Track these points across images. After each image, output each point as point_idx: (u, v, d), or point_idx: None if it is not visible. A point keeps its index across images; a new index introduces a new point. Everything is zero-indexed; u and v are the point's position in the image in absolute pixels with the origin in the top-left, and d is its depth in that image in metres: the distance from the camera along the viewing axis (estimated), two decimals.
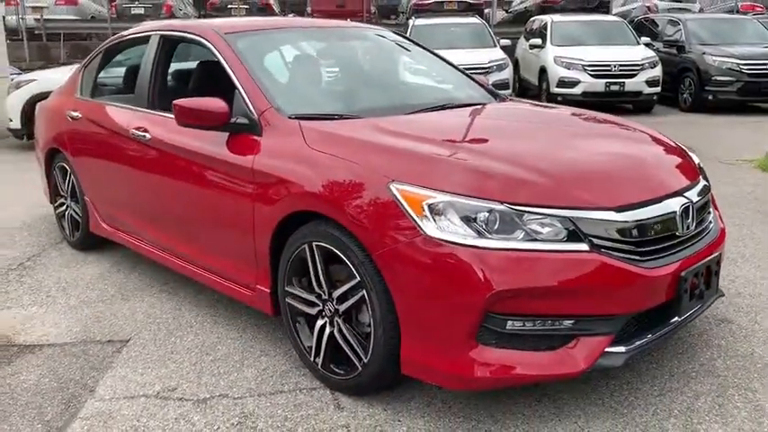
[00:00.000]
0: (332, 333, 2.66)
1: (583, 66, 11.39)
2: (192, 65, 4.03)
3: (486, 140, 2.73)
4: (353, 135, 2.72)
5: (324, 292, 2.67)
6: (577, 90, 11.29)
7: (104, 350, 3.19)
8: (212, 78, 3.79)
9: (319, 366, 2.73)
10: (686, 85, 12.06)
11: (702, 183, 2.79)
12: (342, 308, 2.60)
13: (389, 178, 2.38)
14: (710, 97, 11.52)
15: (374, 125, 2.85)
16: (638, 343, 2.38)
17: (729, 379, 2.70)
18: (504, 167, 2.39)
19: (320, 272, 2.64)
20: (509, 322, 2.25)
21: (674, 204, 2.49)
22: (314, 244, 2.63)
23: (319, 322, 2.72)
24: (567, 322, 2.27)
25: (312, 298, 2.73)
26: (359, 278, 2.46)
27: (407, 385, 2.66)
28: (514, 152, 2.53)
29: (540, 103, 3.90)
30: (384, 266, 2.35)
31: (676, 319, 2.47)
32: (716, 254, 2.61)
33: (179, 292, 3.85)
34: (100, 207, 4.22)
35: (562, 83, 11.43)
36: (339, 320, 2.63)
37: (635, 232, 2.33)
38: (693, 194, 2.63)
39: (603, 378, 2.70)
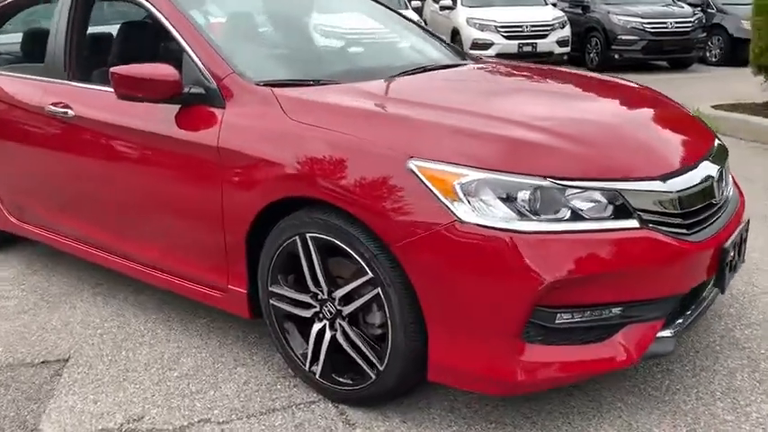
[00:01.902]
0: (333, 338, 2.28)
1: (496, 27, 11.29)
2: (115, 28, 3.41)
3: (502, 106, 2.39)
4: (344, 103, 2.30)
5: (322, 292, 2.26)
6: (491, 51, 11.16)
7: (39, 374, 2.64)
8: (145, 42, 3.23)
9: (317, 376, 2.34)
10: (593, 45, 12.25)
11: (718, 142, 2.59)
12: (347, 309, 2.21)
13: (407, 155, 2.00)
14: (617, 56, 11.75)
15: (363, 92, 2.44)
16: (681, 323, 2.16)
17: (755, 350, 2.55)
18: (538, 136, 2.06)
19: (317, 268, 2.23)
20: (558, 315, 1.95)
21: (711, 168, 2.27)
22: (308, 236, 2.21)
23: (316, 326, 2.32)
24: (616, 310, 2.00)
25: (306, 298, 2.32)
26: (371, 274, 2.08)
27: (420, 390, 2.33)
28: (540, 118, 2.21)
29: (517, 63, 3.60)
30: (407, 260, 1.99)
31: (715, 292, 2.27)
32: (745, 220, 2.43)
33: (116, 293, 3.30)
34: (5, 198, 3.55)
35: (476, 45, 11.26)
36: (343, 323, 2.24)
37: (680, 203, 2.09)
38: (719, 156, 2.43)
39: None
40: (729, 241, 2.22)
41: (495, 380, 1.96)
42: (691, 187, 2.13)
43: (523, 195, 1.91)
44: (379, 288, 2.08)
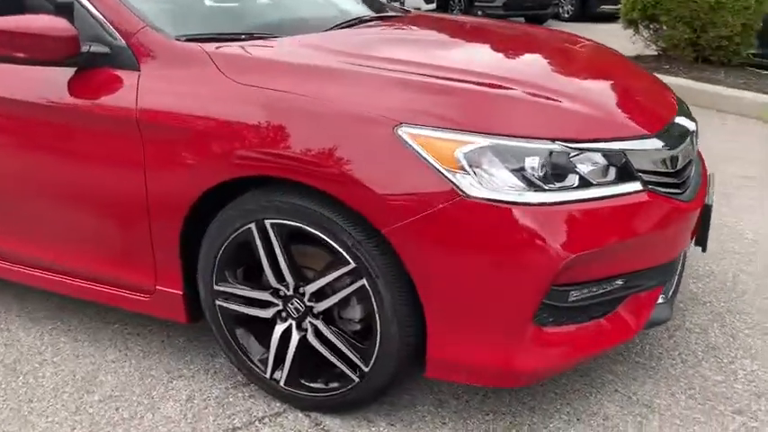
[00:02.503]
0: (303, 339, 1.94)
1: None
2: None
3: (483, 62, 2.12)
4: (302, 61, 1.92)
5: (286, 288, 1.92)
6: None
7: None
8: None
9: (282, 384, 2.01)
10: (456, 2, 12.31)
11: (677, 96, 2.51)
12: (321, 306, 1.88)
13: (395, 120, 1.68)
14: (480, 13, 11.90)
15: (315, 46, 2.07)
16: (670, 287, 2.06)
17: (716, 304, 2.55)
18: (534, 94, 1.83)
19: (281, 260, 1.88)
20: (572, 293, 1.76)
21: (688, 123, 2.16)
22: (268, 223, 1.84)
23: (279, 327, 1.97)
24: (620, 281, 1.85)
25: (265, 296, 1.96)
26: (353, 264, 1.77)
27: (399, 386, 2.07)
28: (526, 74, 1.97)
29: (448, 15, 3.33)
30: (402, 245, 1.69)
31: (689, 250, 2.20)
32: (710, 174, 2.37)
33: None
34: None
35: None
36: (315, 322, 1.91)
37: (672, 161, 1.96)
38: (685, 110, 2.34)
39: None
40: (709, 197, 2.14)
41: (508, 371, 1.74)
42: (680, 144, 2.01)
43: (533, 162, 1.67)
44: (363, 279, 1.77)
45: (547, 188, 1.66)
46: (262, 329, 2.06)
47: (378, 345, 1.82)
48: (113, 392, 2.15)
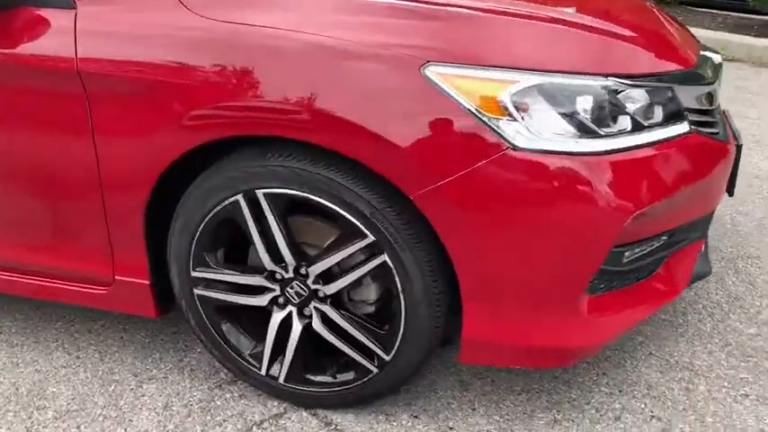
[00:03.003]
0: (307, 328, 1.64)
1: None
2: None
3: None
4: None
5: (284, 269, 1.59)
6: None
7: None
8: None
9: (281, 380, 1.70)
10: None
11: None
12: (330, 289, 1.57)
13: (421, 59, 1.36)
14: None
15: None
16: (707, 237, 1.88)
17: (725, 250, 2.41)
18: (577, 24, 1.54)
19: (279, 238, 1.55)
20: (626, 254, 1.53)
21: (715, 56, 1.94)
22: (261, 193, 1.50)
23: (277, 315, 1.65)
24: (665, 236, 1.63)
25: (258, 281, 1.63)
26: (372, 237, 1.46)
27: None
28: (562, 8, 1.67)
29: None
30: (434, 212, 1.40)
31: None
32: (725, 110, 2.18)
33: None
34: None
35: None
36: (323, 307, 1.60)
37: (709, 97, 1.74)
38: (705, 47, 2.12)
39: None
40: (739, 136, 1.95)
41: (559, 348, 1.51)
42: (716, 78, 1.79)
43: (585, 103, 1.40)
44: (385, 255, 1.47)
45: (603, 134, 1.40)
46: (253, 320, 1.74)
47: (402, 329, 1.54)
48: (71, 406, 1.78)
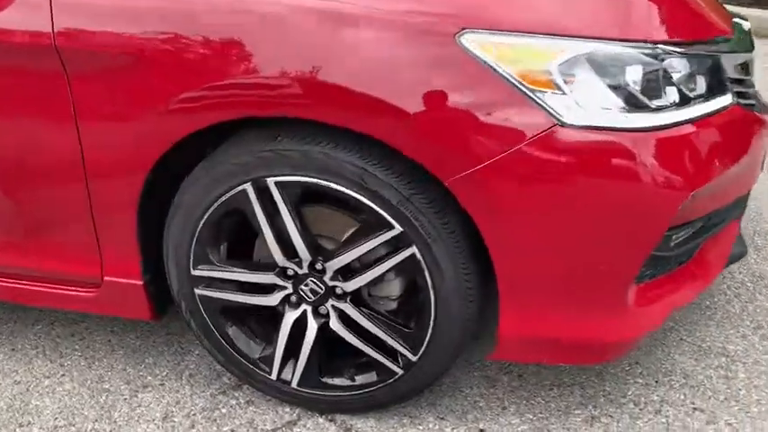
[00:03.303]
0: (323, 328, 1.49)
1: None
2: None
3: None
4: None
5: (298, 265, 1.43)
6: None
7: None
8: None
9: (294, 384, 1.55)
10: None
11: None
12: (350, 285, 1.42)
13: (456, 26, 1.20)
14: None
15: None
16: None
17: None
18: None
19: (292, 231, 1.38)
20: (673, 237, 1.41)
21: (745, 24, 1.82)
22: (272, 182, 1.34)
23: (290, 315, 1.50)
24: (708, 218, 1.52)
25: (269, 278, 1.47)
26: (400, 228, 1.31)
27: None
28: None
29: None
30: (471, 198, 1.25)
31: None
32: None
33: None
34: None
35: None
36: (341, 305, 1.45)
37: (745, 66, 1.62)
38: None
39: None
40: None
41: (606, 342, 1.38)
42: (752, 46, 1.67)
43: (635, 74, 1.26)
44: (413, 247, 1.32)
45: (653, 107, 1.27)
46: (260, 320, 1.58)
47: (432, 327, 1.40)
48: (58, 421, 1.61)
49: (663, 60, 1.29)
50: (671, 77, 1.29)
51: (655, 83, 1.27)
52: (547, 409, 1.58)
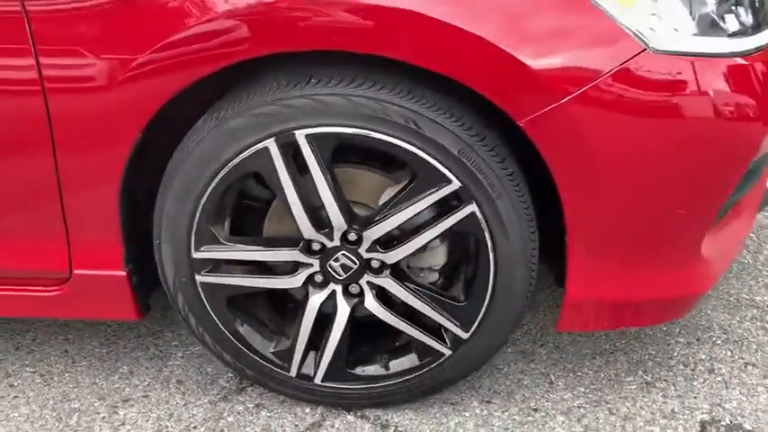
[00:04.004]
0: (357, 308, 1.26)
1: None
2: None
3: None
4: None
5: (328, 236, 1.20)
6: None
7: None
8: None
9: (318, 380, 1.32)
10: None
11: None
12: (391, 256, 1.20)
13: None
14: None
15: None
16: None
17: None
18: None
19: (326, 193, 1.15)
20: None
21: None
22: (302, 135, 1.10)
23: (316, 298, 1.26)
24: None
25: (292, 255, 1.22)
26: (457, 182, 1.11)
27: None
28: None
29: None
30: (547, 140, 1.07)
31: None
32: None
33: None
34: None
35: None
36: (382, 280, 1.23)
37: None
38: None
39: None
40: None
41: (677, 299, 1.26)
42: None
43: None
44: (473, 204, 1.13)
45: (726, 31, 1.13)
46: (272, 309, 1.34)
47: (488, 298, 1.21)
48: None
49: None
50: (745, 1, 1.17)
51: (733, 7, 1.14)
52: (597, 380, 1.44)
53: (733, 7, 1.14)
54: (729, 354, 1.50)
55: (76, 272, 1.26)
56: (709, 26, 1.10)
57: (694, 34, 1.08)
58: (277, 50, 1.05)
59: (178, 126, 1.18)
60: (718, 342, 1.54)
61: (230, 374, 1.47)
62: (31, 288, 1.29)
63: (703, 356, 1.50)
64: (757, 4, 1.16)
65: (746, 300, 1.68)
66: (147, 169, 1.21)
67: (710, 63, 1.08)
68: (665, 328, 1.58)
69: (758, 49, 1.14)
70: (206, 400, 1.41)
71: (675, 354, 1.51)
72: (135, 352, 1.56)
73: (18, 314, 1.38)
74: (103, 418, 1.38)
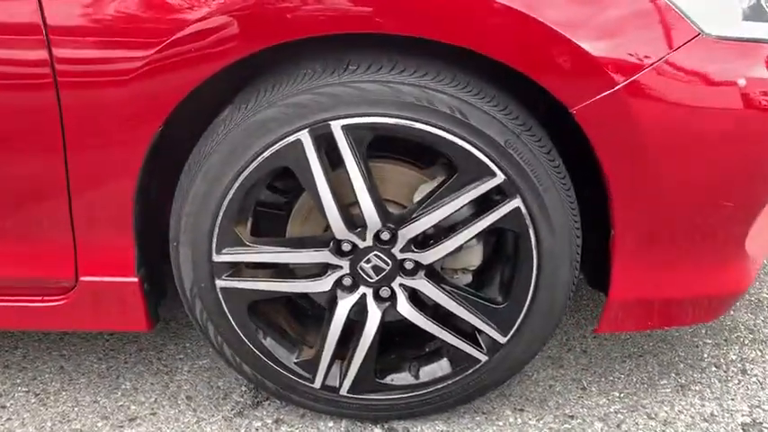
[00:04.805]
0: (388, 312, 1.18)
1: None
2: None
3: None
4: None
5: (360, 236, 1.12)
6: None
7: None
8: None
9: (344, 391, 1.23)
10: None
11: None
12: (428, 256, 1.13)
13: None
14: None
15: None
16: None
17: None
18: None
19: (361, 189, 1.07)
20: None
21: None
22: (339, 126, 1.02)
23: (346, 302, 1.18)
24: None
25: (321, 257, 1.14)
26: (502, 175, 1.05)
27: None
28: None
29: None
30: (600, 129, 1.02)
31: None
32: None
33: None
34: None
35: None
36: (416, 282, 1.16)
37: None
38: None
39: None
40: None
41: (720, 297, 1.22)
42: None
43: None
44: (518, 198, 1.07)
45: None
46: (294, 315, 1.26)
47: (529, 301, 1.15)
48: None
49: None
50: None
51: None
52: (630, 384, 1.38)
53: None
54: (759, 354, 1.47)
55: (83, 279, 1.16)
56: (756, 11, 1.07)
57: (744, 19, 1.05)
58: (313, 34, 0.98)
59: (196, 121, 1.10)
60: (746, 342, 1.51)
61: (244, 388, 1.38)
62: (31, 298, 1.18)
63: (734, 357, 1.46)
64: None
65: (766, 298, 1.65)
66: (161, 166, 1.12)
67: (762, 49, 1.05)
68: (690, 330, 1.54)
69: None
70: (220, 417, 1.31)
71: (705, 355, 1.47)
72: (137, 367, 1.45)
73: (15, 327, 1.26)
74: (115, 427, 1.27)
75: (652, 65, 0.98)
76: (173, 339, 1.53)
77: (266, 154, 1.04)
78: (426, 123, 1.02)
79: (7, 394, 1.38)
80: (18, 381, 1.41)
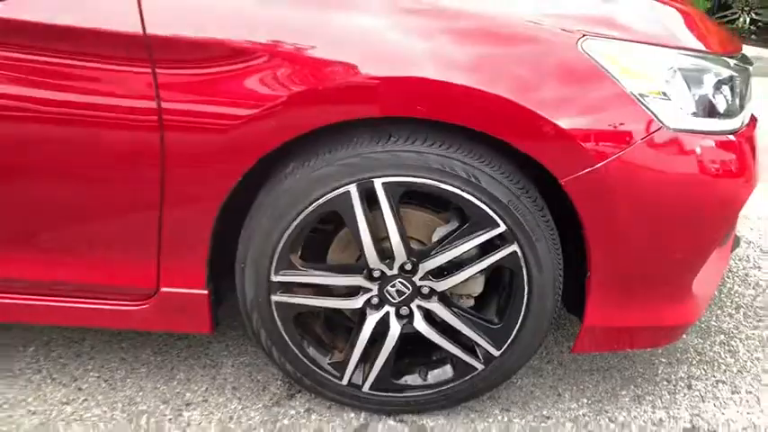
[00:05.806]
0: (405, 326, 1.48)
1: None
2: None
3: None
4: None
5: (389, 266, 1.41)
6: None
7: None
8: None
9: (366, 389, 1.53)
10: None
11: None
12: (443, 284, 1.43)
13: (577, 32, 1.27)
14: None
15: None
16: None
17: None
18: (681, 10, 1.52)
19: (392, 231, 1.37)
20: None
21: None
22: (379, 183, 1.31)
23: (372, 317, 1.47)
24: None
25: (357, 281, 1.43)
26: (503, 226, 1.35)
27: None
28: None
29: None
30: (582, 197, 1.32)
31: None
32: None
33: None
34: None
35: None
36: (429, 304, 1.46)
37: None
38: None
39: None
40: None
41: (676, 326, 1.52)
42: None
43: (709, 81, 1.39)
44: (515, 245, 1.37)
45: (724, 113, 1.41)
46: (328, 326, 1.55)
47: (519, 323, 1.45)
48: None
49: (731, 71, 1.44)
50: (736, 88, 1.44)
51: (728, 93, 1.41)
52: (596, 393, 1.69)
53: (723, 89, 1.42)
54: (704, 372, 1.78)
55: (163, 289, 1.44)
56: (707, 107, 1.37)
57: (694, 114, 1.35)
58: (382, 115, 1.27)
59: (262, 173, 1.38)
60: (694, 363, 1.82)
61: (279, 382, 1.66)
62: (114, 302, 1.46)
63: (682, 374, 1.77)
64: (737, 89, 1.44)
65: (715, 326, 1.97)
66: (234, 202, 1.40)
67: (709, 139, 1.35)
68: (649, 351, 1.85)
69: (742, 127, 1.43)
70: (260, 405, 1.60)
71: (659, 372, 1.77)
72: (188, 360, 1.73)
73: (102, 325, 1.53)
74: (169, 419, 1.55)
75: (626, 149, 1.28)
76: (216, 338, 1.81)
77: (321, 200, 1.33)
78: (448, 184, 1.31)
79: (82, 379, 1.65)
80: (89, 367, 1.69)
